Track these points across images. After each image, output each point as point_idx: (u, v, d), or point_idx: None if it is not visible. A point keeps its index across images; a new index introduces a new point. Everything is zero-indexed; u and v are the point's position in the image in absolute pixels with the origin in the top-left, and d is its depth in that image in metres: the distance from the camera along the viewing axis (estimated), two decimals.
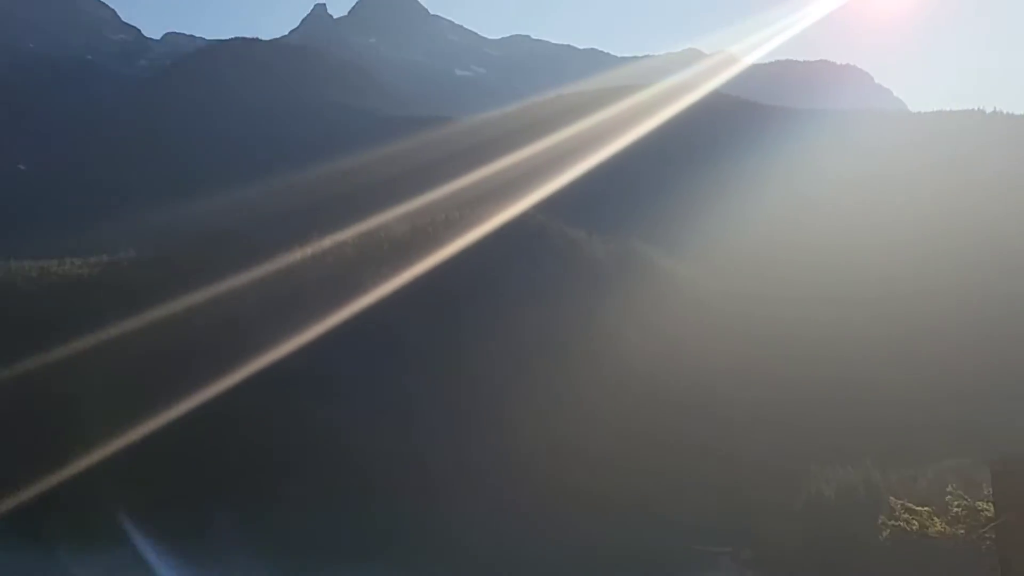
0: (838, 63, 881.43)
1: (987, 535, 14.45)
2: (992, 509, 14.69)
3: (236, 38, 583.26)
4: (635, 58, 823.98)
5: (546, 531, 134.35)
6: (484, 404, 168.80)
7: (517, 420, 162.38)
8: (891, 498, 16.42)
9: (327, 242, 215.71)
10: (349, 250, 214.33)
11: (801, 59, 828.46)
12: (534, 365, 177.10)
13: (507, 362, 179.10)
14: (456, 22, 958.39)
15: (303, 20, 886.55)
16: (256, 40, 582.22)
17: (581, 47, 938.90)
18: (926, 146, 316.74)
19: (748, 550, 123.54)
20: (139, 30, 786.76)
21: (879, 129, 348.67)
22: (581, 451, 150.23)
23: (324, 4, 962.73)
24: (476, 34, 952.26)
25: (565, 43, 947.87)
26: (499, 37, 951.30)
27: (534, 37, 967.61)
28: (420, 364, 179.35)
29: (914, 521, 15.21)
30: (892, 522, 15.55)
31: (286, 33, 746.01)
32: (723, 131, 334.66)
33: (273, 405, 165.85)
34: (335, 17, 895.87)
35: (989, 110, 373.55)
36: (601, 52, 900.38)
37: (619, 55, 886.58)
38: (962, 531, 14.69)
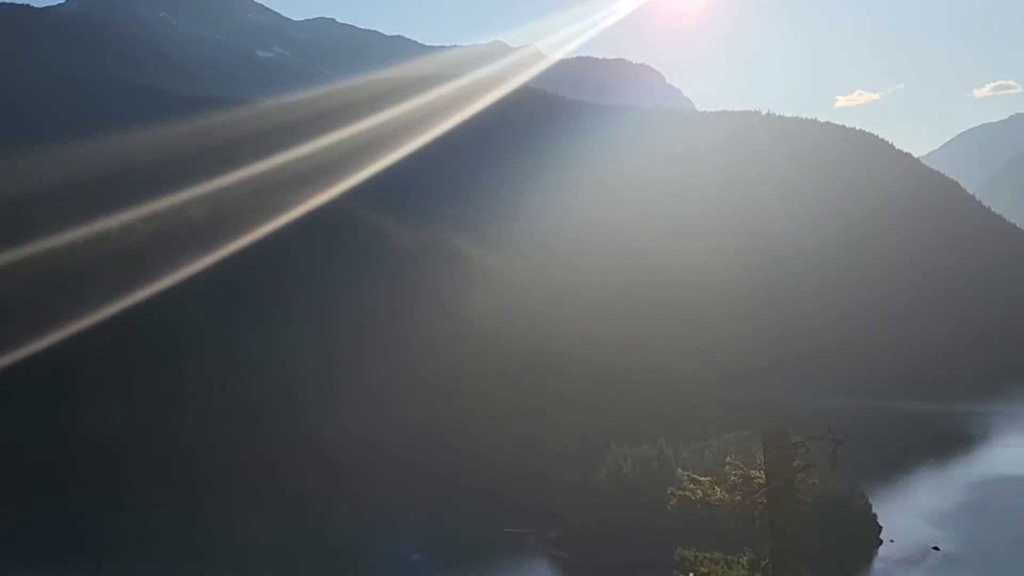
0: (634, 62, 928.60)
1: (760, 500, 15.61)
2: (764, 476, 15.86)
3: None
4: (442, 48, 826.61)
5: (348, 518, 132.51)
6: (282, 393, 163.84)
7: (316, 410, 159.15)
8: (679, 470, 17.37)
9: (112, 222, 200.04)
10: (139, 233, 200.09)
11: (601, 57, 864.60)
12: (338, 353, 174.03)
13: (310, 350, 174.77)
14: (258, 0, 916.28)
15: None
16: (27, 7, 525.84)
17: (388, 33, 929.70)
18: (711, 143, 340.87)
19: (554, 529, 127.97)
20: None
21: (670, 126, 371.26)
22: (385, 439, 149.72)
23: None
24: (280, 15, 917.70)
25: (372, 28, 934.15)
26: (304, 19, 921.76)
27: (340, 21, 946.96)
28: (206, 351, 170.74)
29: (698, 490, 16.19)
30: (679, 492, 16.46)
31: (62, 1, 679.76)
32: (530, 124, 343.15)
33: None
34: None
35: (764, 112, 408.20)
36: (408, 40, 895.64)
37: (426, 44, 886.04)
38: (739, 497, 15.82)
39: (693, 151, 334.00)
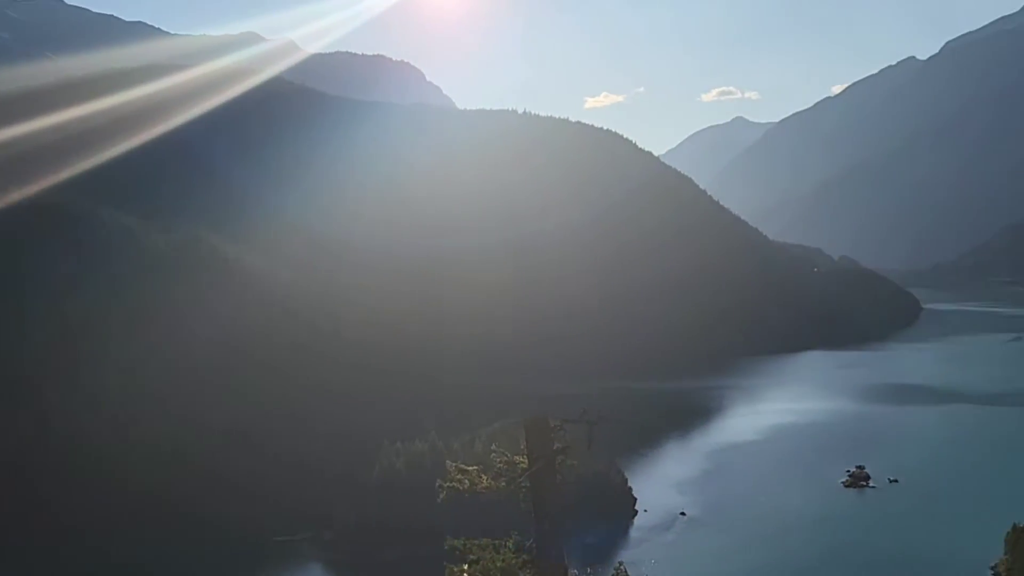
0: (394, 59, 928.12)
1: (523, 484, 16.31)
2: (527, 461, 16.57)
3: None
4: (189, 36, 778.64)
5: (105, 531, 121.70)
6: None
7: (54, 414, 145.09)
8: (448, 462, 17.71)
9: None
10: None
11: (360, 52, 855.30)
12: (78, 357, 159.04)
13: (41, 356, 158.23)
14: None
15: None
16: None
17: (127, 19, 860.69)
18: (473, 141, 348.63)
19: (328, 531, 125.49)
20: None
21: (433, 124, 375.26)
22: (138, 443, 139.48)
23: None
24: None
25: (109, 12, 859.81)
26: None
27: (68, 3, 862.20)
28: None
29: (465, 480, 16.60)
30: (448, 483, 16.78)
31: None
32: (287, 118, 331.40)
33: None
34: None
35: (521, 111, 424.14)
36: (150, 26, 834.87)
37: (172, 31, 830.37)
38: (504, 483, 16.41)
39: (456, 148, 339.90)
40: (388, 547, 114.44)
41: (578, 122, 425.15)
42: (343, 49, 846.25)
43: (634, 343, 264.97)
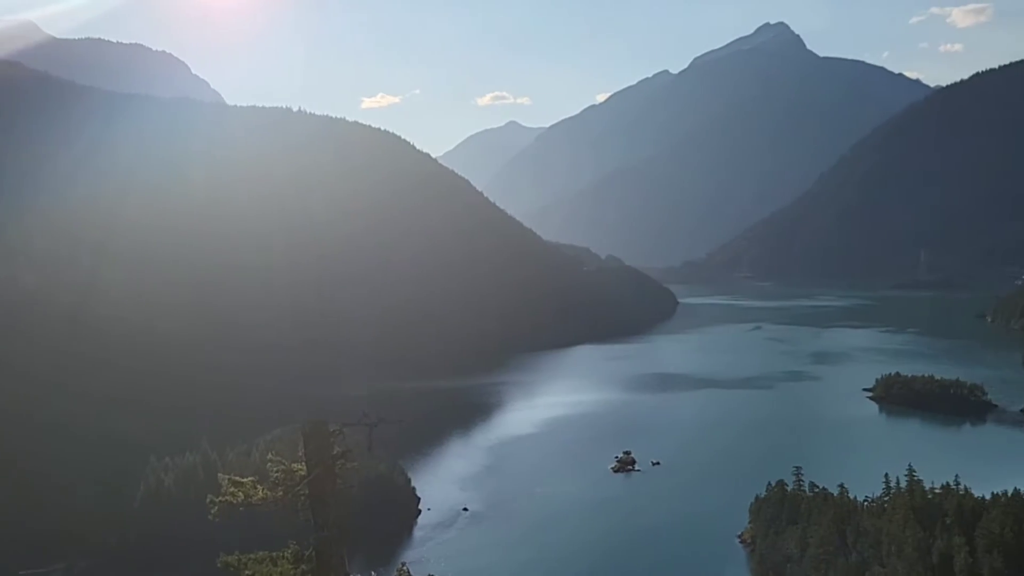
0: (154, 49, 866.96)
1: (302, 492, 15.97)
2: (305, 468, 16.24)
3: None
4: None
5: None
6: None
7: None
8: (219, 475, 16.93)
9: None
10: None
11: (115, 40, 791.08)
12: None
13: None
14: None
15: None
16: None
17: None
18: (244, 138, 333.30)
19: (85, 558, 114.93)
20: None
21: (200, 119, 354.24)
22: None
23: None
24: None
25: None
26: None
27: None
28: None
29: (239, 492, 15.98)
30: (220, 498, 16.07)
31: None
32: (27, 109, 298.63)
33: None
34: None
35: (296, 108, 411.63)
36: None
37: None
38: (281, 492, 15.97)
39: (226, 145, 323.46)
40: (154, 571, 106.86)
41: (355, 122, 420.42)
42: (94, 35, 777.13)
43: (414, 342, 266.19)
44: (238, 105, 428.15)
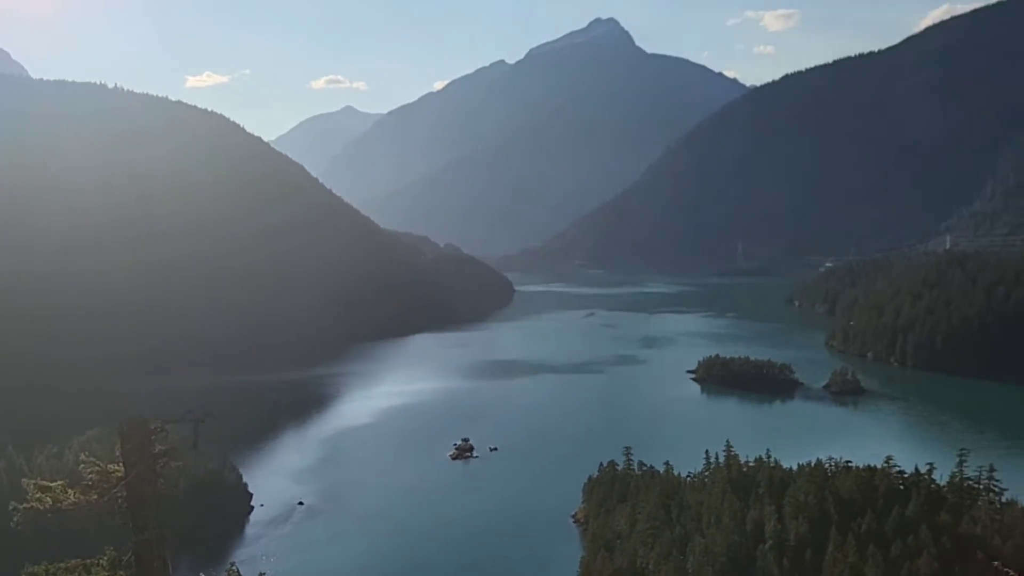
0: None
1: (119, 494, 15.10)
2: (123, 468, 15.36)
3: None
4: None
5: None
6: None
7: None
8: (24, 480, 15.66)
9: None
10: None
11: None
12: None
13: None
14: None
15: None
16: None
17: None
18: (51, 114, 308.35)
19: None
20: None
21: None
22: None
23: None
24: None
25: None
26: None
27: None
28: None
29: (47, 498, 14.86)
30: (24, 505, 14.88)
31: None
32: None
33: None
34: None
35: (112, 85, 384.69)
36: None
37: None
38: (95, 496, 15.01)
39: (32, 121, 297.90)
40: None
41: (179, 101, 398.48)
42: None
43: (245, 334, 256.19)
44: (44, 79, 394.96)
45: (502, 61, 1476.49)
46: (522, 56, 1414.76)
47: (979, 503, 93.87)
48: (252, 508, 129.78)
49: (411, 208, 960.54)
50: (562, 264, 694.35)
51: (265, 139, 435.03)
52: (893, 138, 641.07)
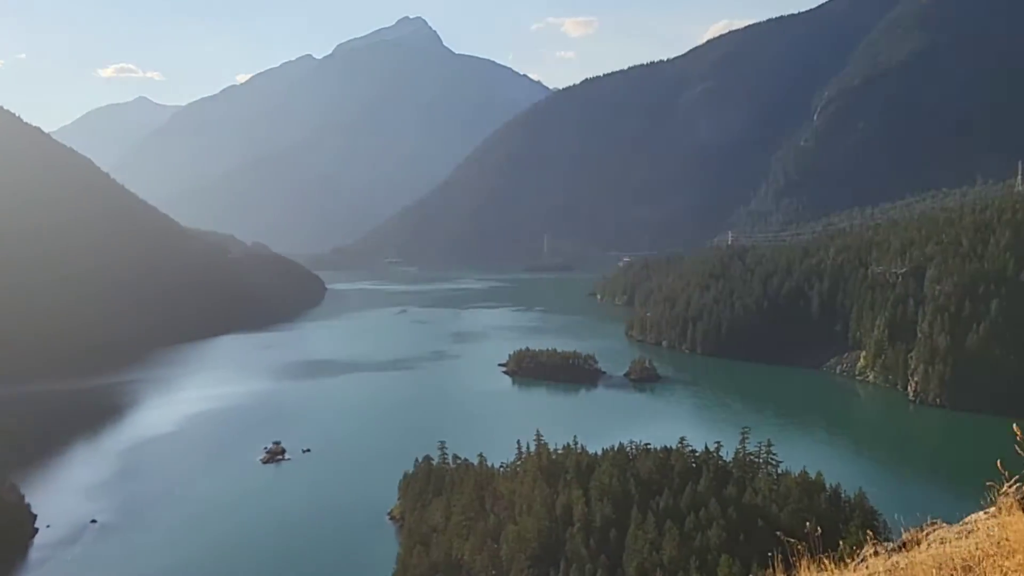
0: None
1: None
2: None
3: None
4: None
5: None
6: None
7: None
8: None
9: None
10: None
11: None
12: None
13: None
14: None
15: None
16: None
17: None
18: None
19: None
20: None
21: None
22: None
23: None
24: None
25: None
26: None
27: None
28: None
29: None
30: None
31: None
32: None
33: None
34: None
35: None
36: None
37: None
38: None
39: None
40: None
41: None
42: None
43: (26, 342, 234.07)
44: None
45: (309, 56, 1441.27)
46: (330, 51, 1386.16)
47: (759, 475, 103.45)
48: (36, 530, 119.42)
49: (214, 206, 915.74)
50: (374, 262, 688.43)
51: (46, 130, 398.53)
52: (683, 141, 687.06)
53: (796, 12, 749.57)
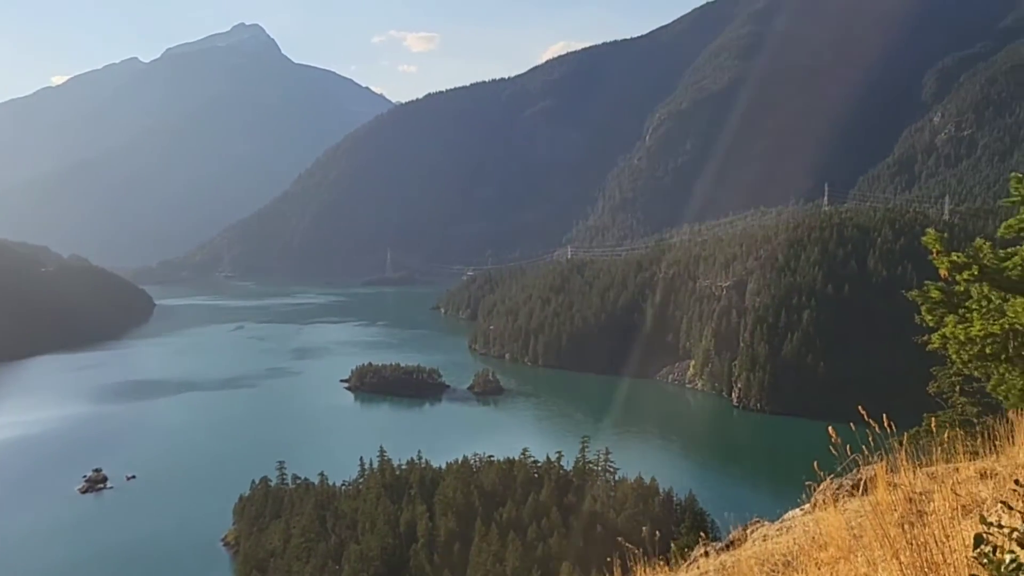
0: None
1: None
2: None
3: None
4: None
5: None
6: None
7: None
8: None
9: None
10: None
11: None
12: None
13: None
14: None
15: None
16: None
17: None
18: None
19: None
20: None
21: None
22: None
23: None
24: None
25: None
26: None
27: None
28: None
29: None
30: None
31: None
32: None
33: None
34: None
35: None
36: None
37: None
38: None
39: None
40: None
41: None
42: None
43: None
44: None
45: (135, 59, 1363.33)
46: (158, 55, 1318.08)
47: (598, 483, 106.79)
48: None
49: (25, 215, 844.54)
50: (208, 276, 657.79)
51: None
52: (523, 157, 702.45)
53: (629, 38, 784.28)
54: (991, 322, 9.60)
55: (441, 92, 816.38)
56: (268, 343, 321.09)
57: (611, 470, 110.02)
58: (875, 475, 9.67)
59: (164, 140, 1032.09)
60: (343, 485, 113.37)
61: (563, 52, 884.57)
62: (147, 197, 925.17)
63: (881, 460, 9.64)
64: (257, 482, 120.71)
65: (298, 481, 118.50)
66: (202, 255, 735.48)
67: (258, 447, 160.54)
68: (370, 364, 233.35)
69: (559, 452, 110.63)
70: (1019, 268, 9.81)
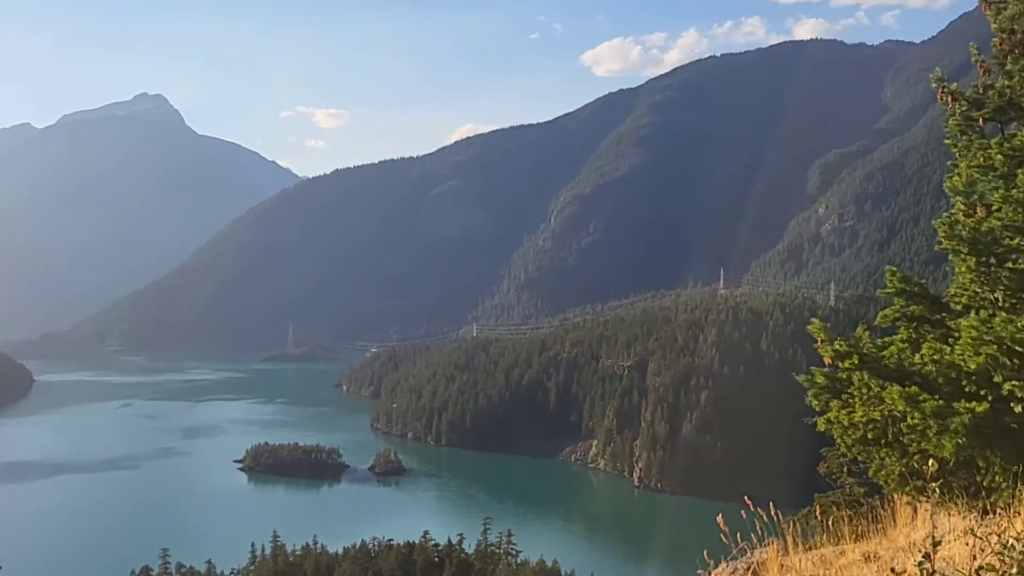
0: None
1: None
2: None
3: None
4: None
5: None
6: None
7: None
8: None
9: None
10: None
11: None
12: None
13: None
14: None
15: None
16: None
17: None
18: None
19: None
20: None
21: None
22: None
23: None
24: None
25: None
26: None
27: None
28: None
29: None
30: None
31: None
32: None
33: None
34: None
35: None
36: None
37: None
38: None
39: None
40: None
41: None
42: None
43: None
44: None
45: (27, 124, 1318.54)
46: (53, 121, 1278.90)
47: (500, 566, 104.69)
48: None
49: None
50: (95, 351, 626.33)
51: None
52: (430, 235, 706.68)
53: (536, 122, 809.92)
54: (872, 408, 10.07)
55: (349, 168, 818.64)
56: (156, 421, 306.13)
57: (513, 552, 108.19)
58: (767, 559, 9.84)
59: (53, 207, 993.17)
60: (232, 573, 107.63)
61: (471, 134, 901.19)
62: (31, 266, 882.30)
63: (773, 542, 9.85)
64: (137, 572, 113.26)
65: (183, 570, 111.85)
66: (89, 327, 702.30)
67: (140, 533, 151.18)
68: (266, 443, 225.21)
69: (460, 535, 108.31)
70: (895, 358, 10.38)
